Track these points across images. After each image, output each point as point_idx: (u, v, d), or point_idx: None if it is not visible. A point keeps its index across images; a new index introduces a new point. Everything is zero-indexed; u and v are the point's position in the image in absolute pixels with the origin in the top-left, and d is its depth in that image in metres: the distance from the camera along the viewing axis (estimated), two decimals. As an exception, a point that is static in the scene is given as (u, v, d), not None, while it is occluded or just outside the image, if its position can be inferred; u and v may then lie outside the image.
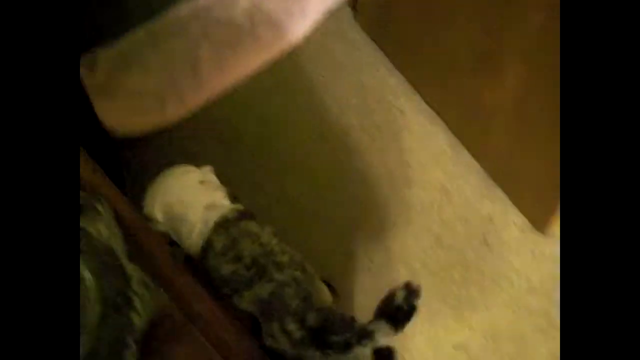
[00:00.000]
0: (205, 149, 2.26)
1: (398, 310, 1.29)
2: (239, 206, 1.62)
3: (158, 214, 1.65)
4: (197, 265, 1.63)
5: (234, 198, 1.80)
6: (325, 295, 1.56)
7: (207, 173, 1.73)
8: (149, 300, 1.02)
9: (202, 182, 1.67)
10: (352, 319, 1.41)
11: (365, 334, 1.31)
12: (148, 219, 1.72)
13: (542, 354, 1.93)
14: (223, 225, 1.54)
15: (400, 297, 1.30)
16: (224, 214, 1.56)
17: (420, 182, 2.23)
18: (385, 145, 2.31)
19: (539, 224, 2.10)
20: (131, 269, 1.03)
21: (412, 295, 1.30)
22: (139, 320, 0.99)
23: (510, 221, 2.14)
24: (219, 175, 1.68)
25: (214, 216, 1.56)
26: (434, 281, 2.05)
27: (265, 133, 2.34)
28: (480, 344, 1.95)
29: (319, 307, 1.45)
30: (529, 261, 2.07)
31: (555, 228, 2.09)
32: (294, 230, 1.99)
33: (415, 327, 1.98)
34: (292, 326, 1.42)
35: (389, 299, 1.32)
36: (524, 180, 2.08)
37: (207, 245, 1.53)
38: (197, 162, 1.69)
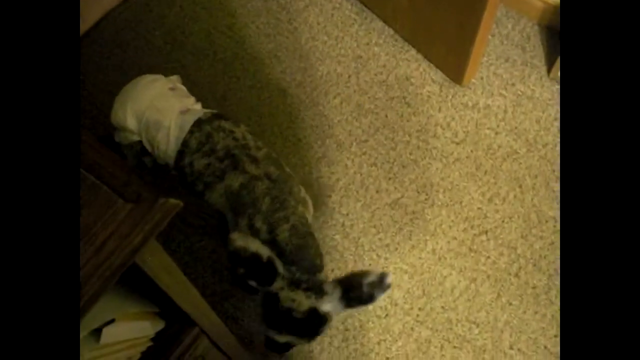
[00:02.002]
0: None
1: (357, 291, 1.24)
2: (212, 110, 1.57)
3: (130, 121, 1.58)
4: (171, 170, 1.57)
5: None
6: (300, 198, 1.43)
7: (175, 81, 1.69)
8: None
9: (172, 89, 1.62)
10: (319, 264, 1.32)
11: (317, 291, 1.26)
12: (118, 128, 1.65)
13: (474, 198, 1.96)
14: (197, 125, 1.50)
15: (368, 280, 1.23)
16: (199, 116, 1.51)
17: (334, 55, 2.18)
18: (294, 24, 2.23)
19: (455, 76, 2.11)
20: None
21: (379, 286, 1.23)
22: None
23: (427, 78, 2.14)
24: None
25: (189, 120, 1.51)
26: (362, 148, 2.03)
27: (175, 33, 2.22)
28: (414, 198, 1.96)
29: (293, 225, 1.33)
30: (451, 113, 2.08)
31: (470, 78, 2.10)
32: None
33: (350, 195, 1.98)
34: (259, 225, 1.34)
35: (359, 275, 1.25)
36: (435, 36, 2.06)
37: (183, 147, 1.49)
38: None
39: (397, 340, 1.81)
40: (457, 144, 2.04)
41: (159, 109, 1.55)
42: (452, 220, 1.94)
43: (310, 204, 1.51)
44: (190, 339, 1.15)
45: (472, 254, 1.90)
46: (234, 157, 1.44)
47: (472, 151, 2.03)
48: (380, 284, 1.23)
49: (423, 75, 2.13)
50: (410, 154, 2.03)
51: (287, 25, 2.24)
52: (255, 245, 1.22)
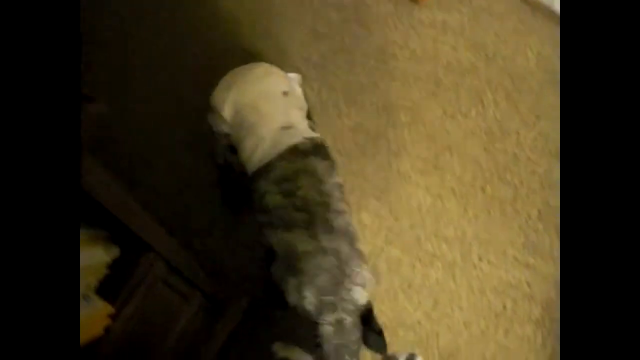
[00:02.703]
0: None
1: None
2: (316, 136, 1.38)
3: (227, 110, 1.41)
4: (241, 179, 1.43)
5: (312, 121, 1.56)
6: (358, 281, 1.31)
7: (292, 81, 1.49)
8: None
9: (285, 93, 1.41)
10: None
11: None
12: (213, 110, 1.46)
13: (436, 115, 1.94)
14: (292, 152, 1.31)
15: None
16: (297, 142, 1.33)
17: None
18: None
19: (411, -6, 2.05)
20: None
21: None
22: None
23: (382, -2, 2.07)
24: None
25: (286, 141, 1.33)
26: (319, 73, 1.98)
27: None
28: (376, 120, 1.93)
29: (338, 320, 1.25)
30: (409, 32, 2.03)
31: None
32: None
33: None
34: (309, 295, 1.27)
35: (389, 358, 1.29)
36: (387, -49, 1.99)
37: (267, 168, 1.32)
38: None
39: (367, 262, 1.80)
40: (416, 62, 2.00)
41: (260, 111, 1.37)
42: (415, 140, 1.91)
43: (373, 282, 1.38)
44: (147, 264, 1.12)
45: (437, 171, 1.89)
46: (310, 215, 1.29)
47: (431, 69, 1.99)
48: None
49: (377, -6, 2.07)
50: (370, 76, 1.98)
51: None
52: (296, 355, 1.28)
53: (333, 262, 1.27)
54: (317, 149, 1.35)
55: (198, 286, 1.46)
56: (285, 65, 1.97)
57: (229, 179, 1.66)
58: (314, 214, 1.28)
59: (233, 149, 1.47)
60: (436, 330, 1.75)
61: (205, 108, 1.50)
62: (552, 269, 1.82)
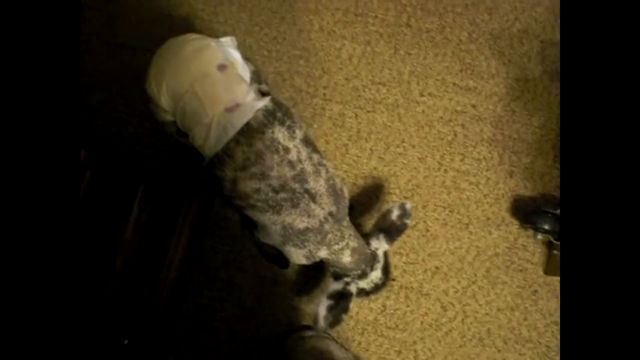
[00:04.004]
0: None
1: (392, 226, 1.46)
2: (267, 103, 1.27)
3: (164, 100, 1.31)
4: (201, 167, 1.35)
5: (259, 83, 1.49)
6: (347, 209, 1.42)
7: (227, 49, 1.35)
8: None
9: (222, 68, 1.28)
10: (369, 250, 1.45)
11: (374, 259, 1.44)
12: (151, 101, 1.37)
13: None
14: (246, 133, 1.23)
15: (394, 215, 1.46)
16: (249, 120, 1.24)
17: None
18: None
19: None
20: None
21: (405, 214, 1.47)
22: None
23: None
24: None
25: (236, 122, 1.23)
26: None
27: None
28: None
29: (353, 248, 1.39)
30: None
31: None
32: None
33: (223, 1, 1.87)
34: (322, 255, 1.39)
35: (385, 216, 1.47)
36: None
37: (225, 154, 1.24)
38: None
39: (312, 124, 1.79)
40: None
41: (200, 97, 1.25)
42: (331, -8, 1.86)
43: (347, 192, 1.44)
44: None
45: (359, 18, 1.85)
46: (291, 192, 1.26)
47: None
48: (404, 211, 1.47)
49: None
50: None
51: None
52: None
53: (331, 221, 1.33)
54: (271, 117, 1.26)
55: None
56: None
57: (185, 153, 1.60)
58: (294, 191, 1.27)
59: (181, 132, 1.39)
60: (393, 172, 1.76)
61: None
62: (493, 86, 1.82)
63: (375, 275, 1.46)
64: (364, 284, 1.45)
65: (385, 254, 1.49)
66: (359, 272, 1.43)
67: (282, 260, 1.53)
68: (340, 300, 1.42)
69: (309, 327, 1.58)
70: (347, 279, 1.44)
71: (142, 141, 1.75)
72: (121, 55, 1.82)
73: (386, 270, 1.49)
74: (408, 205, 1.48)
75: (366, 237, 1.47)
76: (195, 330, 1.64)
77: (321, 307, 1.40)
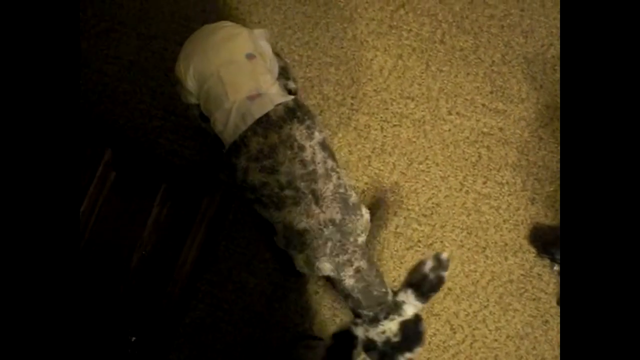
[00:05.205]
0: None
1: (425, 281, 1.22)
2: (288, 101, 1.27)
3: (190, 82, 1.32)
4: (217, 143, 1.35)
5: (287, 79, 1.48)
6: (359, 228, 1.32)
7: (258, 40, 1.36)
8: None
9: (250, 57, 1.29)
10: (384, 291, 1.28)
11: (395, 309, 1.24)
12: (178, 82, 1.37)
13: (386, -25, 1.86)
14: (263, 124, 1.23)
15: (428, 267, 1.22)
16: (269, 111, 1.24)
17: None
18: None
19: None
20: None
21: (440, 266, 1.22)
22: None
23: None
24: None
25: (255, 111, 1.24)
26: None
27: None
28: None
29: (357, 268, 1.28)
30: None
31: None
32: None
33: (257, 1, 1.86)
34: (321, 266, 1.29)
35: (418, 268, 1.23)
36: None
37: (241, 142, 1.24)
38: None
39: (337, 133, 1.77)
40: None
41: (225, 82, 1.27)
42: (367, 2, 1.85)
43: (368, 218, 1.38)
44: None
45: (394, 31, 1.83)
46: (297, 191, 1.24)
47: None
48: (440, 263, 1.22)
49: None
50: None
51: None
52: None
53: (333, 229, 1.27)
54: (291, 114, 1.26)
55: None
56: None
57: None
58: (299, 189, 1.25)
59: (205, 117, 1.39)
60: (414, 188, 1.74)
61: None
62: (522, 111, 1.80)
63: (390, 327, 1.25)
64: (374, 333, 1.25)
65: (418, 318, 1.26)
66: (371, 314, 1.26)
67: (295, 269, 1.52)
68: (343, 344, 1.27)
69: (316, 338, 1.58)
70: (357, 320, 1.29)
71: (165, 135, 1.75)
72: (152, 47, 1.81)
73: (410, 336, 1.25)
74: (445, 256, 1.23)
75: (395, 292, 1.30)
76: (202, 330, 1.64)
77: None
